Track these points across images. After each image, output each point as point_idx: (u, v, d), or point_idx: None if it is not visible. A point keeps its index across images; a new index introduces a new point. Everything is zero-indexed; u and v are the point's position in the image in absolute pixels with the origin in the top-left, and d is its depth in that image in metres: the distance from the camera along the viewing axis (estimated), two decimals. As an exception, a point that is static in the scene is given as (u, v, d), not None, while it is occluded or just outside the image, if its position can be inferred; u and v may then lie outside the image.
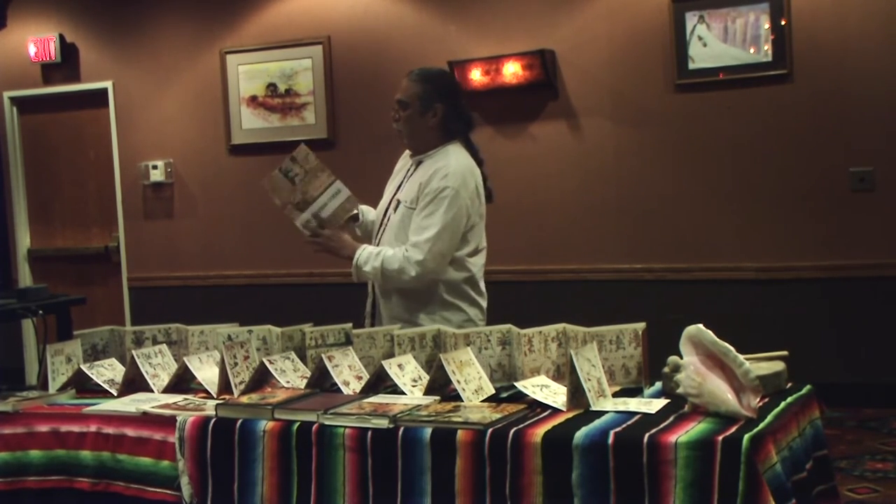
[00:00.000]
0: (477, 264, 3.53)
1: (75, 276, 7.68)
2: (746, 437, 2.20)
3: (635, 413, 2.47)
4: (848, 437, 5.23)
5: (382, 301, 3.55)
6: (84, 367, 3.11)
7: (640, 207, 6.18)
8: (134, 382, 3.05)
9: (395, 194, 3.59)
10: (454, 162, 3.44)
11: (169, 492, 2.68)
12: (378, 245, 3.57)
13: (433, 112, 3.48)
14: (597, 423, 2.39)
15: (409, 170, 3.59)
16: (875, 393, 5.75)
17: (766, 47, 5.85)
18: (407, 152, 3.65)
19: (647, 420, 2.40)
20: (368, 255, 3.44)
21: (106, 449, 2.76)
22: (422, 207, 3.42)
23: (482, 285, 3.58)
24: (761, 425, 2.29)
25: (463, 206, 3.40)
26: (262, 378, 2.92)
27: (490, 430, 2.39)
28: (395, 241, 3.49)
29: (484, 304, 3.57)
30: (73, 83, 7.59)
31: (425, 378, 2.84)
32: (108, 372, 3.14)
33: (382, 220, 3.60)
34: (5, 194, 7.74)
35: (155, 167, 7.35)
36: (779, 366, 2.69)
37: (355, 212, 3.63)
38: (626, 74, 6.17)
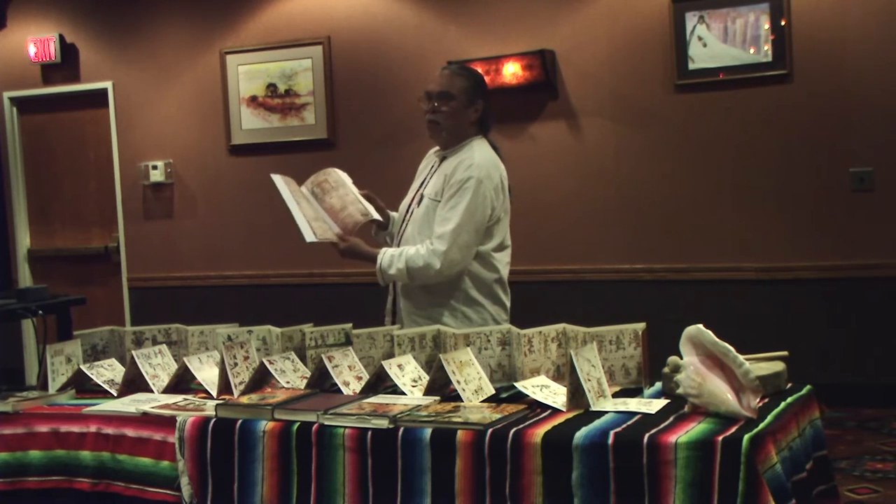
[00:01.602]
0: (502, 261, 3.53)
1: (75, 276, 7.67)
2: (746, 437, 2.20)
3: (635, 413, 2.47)
4: (848, 437, 5.23)
5: (404, 299, 3.53)
6: (84, 368, 3.11)
7: (640, 207, 6.18)
8: (134, 383, 3.05)
9: (419, 190, 3.59)
10: (478, 154, 3.45)
11: (169, 492, 2.69)
12: (399, 239, 3.56)
13: (475, 108, 3.50)
14: (597, 423, 2.39)
15: (433, 166, 3.59)
16: (875, 393, 5.75)
17: (766, 47, 5.85)
18: (431, 151, 3.65)
19: (647, 420, 2.40)
20: (391, 258, 3.43)
21: (106, 449, 2.76)
22: (446, 199, 3.42)
23: (507, 284, 3.57)
24: (761, 426, 2.29)
25: (486, 196, 3.40)
26: (261, 378, 2.92)
27: (490, 431, 2.39)
28: (417, 234, 3.48)
29: (508, 302, 3.56)
30: (73, 83, 7.59)
31: (425, 378, 2.84)
32: (107, 372, 3.14)
33: (405, 216, 3.60)
34: (5, 194, 7.74)
35: (155, 167, 7.35)
36: (779, 366, 2.69)
37: (375, 217, 3.61)
38: (626, 74, 6.17)
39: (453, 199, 3.39)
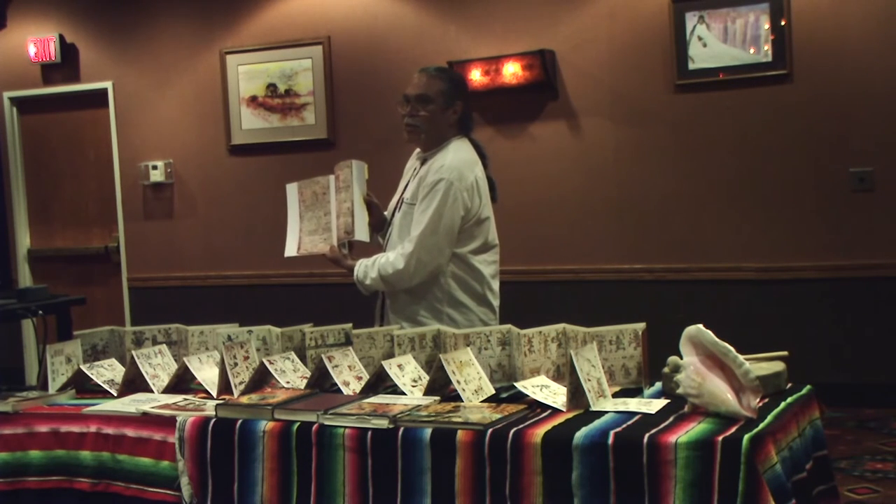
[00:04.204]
0: (486, 262, 3.53)
1: (75, 276, 7.67)
2: (746, 437, 2.20)
3: (635, 413, 2.47)
4: (848, 437, 5.23)
5: (390, 301, 3.56)
6: (84, 368, 3.11)
7: (640, 207, 6.18)
8: (134, 383, 3.05)
9: (401, 195, 3.61)
10: (452, 156, 3.46)
11: (169, 492, 2.69)
12: (386, 244, 3.59)
13: (454, 109, 3.51)
14: (597, 423, 2.40)
15: (415, 169, 3.61)
16: (875, 393, 5.75)
17: (766, 47, 5.85)
18: (415, 153, 3.66)
19: (647, 420, 2.40)
20: (366, 269, 3.48)
21: (106, 449, 2.76)
22: (419, 202, 3.45)
23: (495, 284, 3.57)
24: (761, 426, 2.29)
25: (458, 198, 3.40)
26: (261, 378, 2.92)
27: (490, 431, 2.39)
28: (398, 239, 3.51)
29: (496, 303, 3.56)
30: (73, 83, 7.59)
31: (425, 378, 2.84)
32: (107, 372, 3.14)
33: (390, 221, 3.63)
34: (5, 194, 7.74)
35: (155, 167, 7.35)
36: (779, 366, 2.69)
37: (358, 238, 3.61)
38: (626, 74, 6.17)
39: (424, 202, 3.43)
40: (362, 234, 3.56)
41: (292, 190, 3.72)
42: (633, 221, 6.21)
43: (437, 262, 3.42)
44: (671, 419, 2.39)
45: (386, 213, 3.73)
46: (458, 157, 3.47)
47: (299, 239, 3.63)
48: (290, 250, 3.64)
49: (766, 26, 5.83)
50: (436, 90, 3.49)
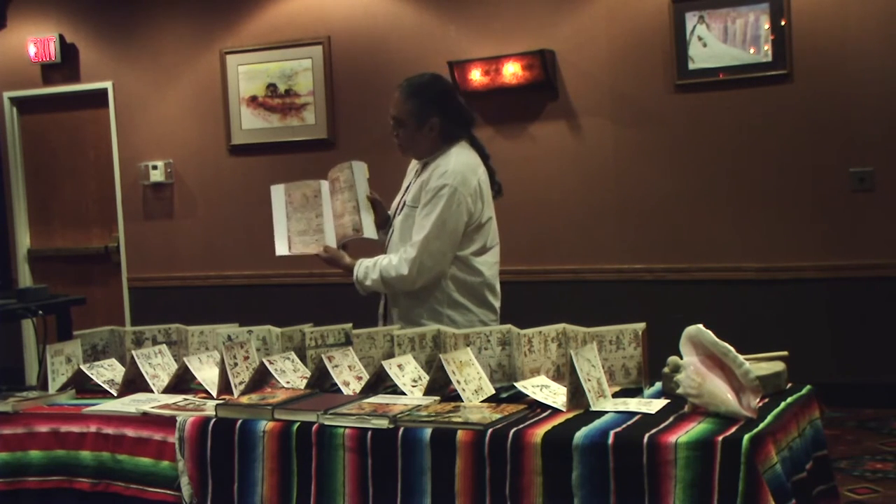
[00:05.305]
0: (486, 263, 3.52)
1: (75, 276, 7.67)
2: (746, 437, 2.20)
3: (635, 413, 2.47)
4: (848, 437, 5.23)
5: (392, 304, 3.57)
6: (84, 368, 3.11)
7: (640, 207, 6.18)
8: (134, 383, 3.06)
9: (402, 197, 3.61)
10: (454, 160, 3.45)
11: (169, 492, 2.69)
12: (388, 246, 3.59)
13: (429, 126, 3.48)
14: (597, 423, 2.40)
15: (417, 171, 3.60)
16: (875, 393, 5.75)
17: (766, 47, 5.85)
18: None
19: (647, 420, 2.40)
20: (366, 270, 3.47)
21: (106, 449, 2.77)
22: (422, 206, 3.44)
23: (496, 285, 3.57)
24: (761, 426, 2.29)
25: (462, 203, 3.40)
26: (261, 378, 2.92)
27: (490, 431, 2.39)
28: (399, 241, 3.51)
29: (497, 304, 3.56)
30: (73, 83, 7.59)
31: (425, 378, 2.84)
32: (107, 372, 3.14)
33: (392, 222, 3.62)
34: (5, 194, 7.74)
35: (155, 167, 7.35)
36: (779, 366, 2.69)
37: (367, 236, 3.61)
38: (626, 74, 6.17)
39: (427, 207, 3.42)
40: (370, 231, 3.57)
41: (278, 191, 3.70)
42: (633, 221, 6.21)
43: (440, 267, 3.42)
44: (671, 419, 2.39)
45: (388, 212, 3.72)
46: (461, 161, 3.46)
47: (289, 238, 3.64)
48: (282, 249, 3.64)
49: (766, 26, 5.83)
50: (405, 113, 3.48)
